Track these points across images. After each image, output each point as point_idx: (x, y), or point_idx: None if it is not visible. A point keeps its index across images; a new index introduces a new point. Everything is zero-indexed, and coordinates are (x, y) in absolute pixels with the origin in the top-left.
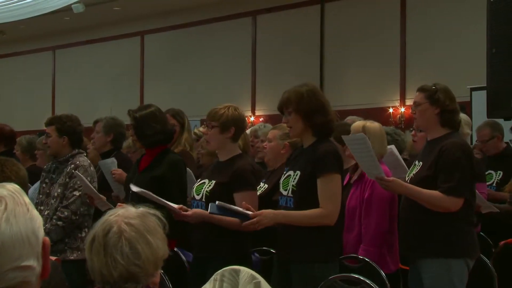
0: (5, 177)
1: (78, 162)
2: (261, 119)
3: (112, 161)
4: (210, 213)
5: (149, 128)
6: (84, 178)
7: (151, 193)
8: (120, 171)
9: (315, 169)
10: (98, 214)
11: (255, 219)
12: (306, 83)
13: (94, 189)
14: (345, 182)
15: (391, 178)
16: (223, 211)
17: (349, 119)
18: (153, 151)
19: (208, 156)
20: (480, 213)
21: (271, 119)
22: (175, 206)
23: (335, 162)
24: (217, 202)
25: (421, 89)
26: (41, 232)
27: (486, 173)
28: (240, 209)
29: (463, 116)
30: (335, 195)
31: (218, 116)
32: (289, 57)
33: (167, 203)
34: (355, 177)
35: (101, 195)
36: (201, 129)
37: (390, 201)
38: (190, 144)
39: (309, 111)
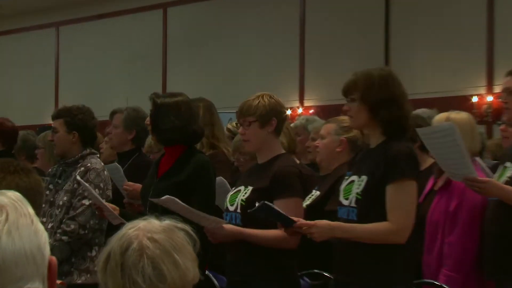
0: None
1: (89, 165)
2: (311, 111)
3: (115, 167)
4: (249, 212)
5: (166, 121)
6: (86, 185)
7: (181, 203)
8: (132, 186)
9: (385, 174)
10: (112, 229)
11: (305, 227)
12: (383, 67)
13: (100, 199)
14: (427, 189)
15: (486, 179)
16: (266, 212)
17: (420, 112)
18: (174, 150)
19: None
20: None
21: (324, 111)
22: (219, 220)
23: (410, 166)
24: (265, 201)
25: None
26: (47, 249)
27: None
28: (289, 216)
29: None
30: (408, 206)
31: (254, 109)
32: (345, 37)
33: (206, 217)
34: (440, 183)
35: (112, 206)
36: (235, 123)
37: (482, 214)
38: (225, 145)
39: (377, 103)
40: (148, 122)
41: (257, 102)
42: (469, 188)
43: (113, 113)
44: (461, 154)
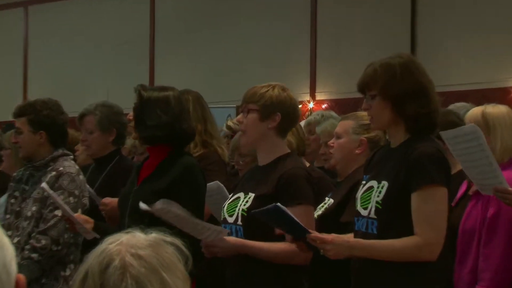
0: None
1: (61, 168)
2: (323, 106)
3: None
4: (253, 212)
5: (153, 117)
6: (51, 192)
7: (178, 211)
8: (110, 203)
9: (409, 179)
10: (89, 244)
11: (319, 240)
12: (400, 54)
13: (69, 210)
14: (460, 194)
15: None
16: (276, 217)
17: (454, 106)
18: (158, 152)
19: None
20: None
21: (339, 106)
22: (221, 230)
23: (439, 170)
24: (278, 204)
25: None
26: (13, 267)
27: None
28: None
29: None
30: (438, 217)
31: (258, 97)
32: (363, 20)
33: (206, 227)
34: (475, 186)
35: (84, 218)
36: (236, 120)
37: None
38: (219, 143)
39: (401, 96)
40: (131, 117)
41: (264, 90)
42: (501, 200)
43: (81, 117)
44: (488, 160)
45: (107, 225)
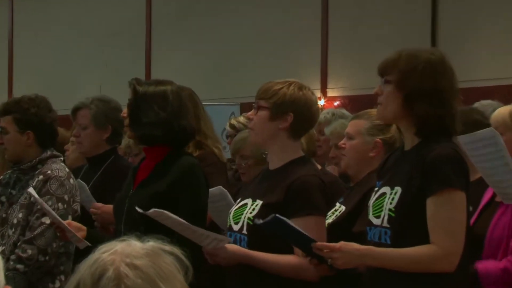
0: None
1: (50, 172)
2: (336, 103)
3: (79, 185)
4: (256, 223)
5: (149, 114)
6: (37, 197)
7: (173, 216)
8: (100, 208)
9: (424, 183)
10: (81, 253)
11: (326, 249)
12: (433, 50)
13: (58, 217)
14: (484, 201)
15: None
16: (279, 229)
17: (480, 104)
18: (155, 152)
19: (255, 167)
20: None
21: (352, 103)
22: (222, 238)
23: (457, 172)
24: (276, 215)
25: None
26: (1, 277)
27: None
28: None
29: None
30: (457, 224)
31: (271, 93)
32: (381, 9)
33: (205, 235)
34: None
35: (76, 225)
36: (241, 118)
37: None
38: (215, 143)
39: (415, 92)
40: (125, 114)
41: (279, 87)
42: None
43: (75, 110)
44: (509, 167)
45: (101, 234)
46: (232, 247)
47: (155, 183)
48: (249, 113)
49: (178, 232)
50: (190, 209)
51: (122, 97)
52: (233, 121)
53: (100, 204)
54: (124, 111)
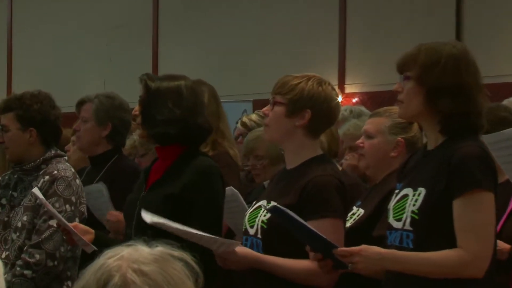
0: None
1: (56, 172)
2: (354, 100)
3: (98, 189)
4: (269, 217)
5: (163, 111)
6: (43, 198)
7: (180, 227)
8: (116, 216)
9: (450, 184)
10: (87, 257)
11: (347, 254)
12: (455, 43)
13: (63, 219)
14: None
15: None
16: (285, 220)
17: (508, 101)
18: (169, 152)
19: (270, 168)
20: None
21: (372, 100)
22: (231, 242)
23: (485, 173)
24: (276, 205)
25: None
26: (1, 284)
27: None
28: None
29: None
30: (485, 227)
31: (288, 88)
32: (402, 2)
33: (213, 240)
34: None
35: (83, 228)
36: (253, 116)
37: None
38: (230, 144)
39: (438, 87)
40: (137, 112)
41: (297, 82)
42: None
43: (80, 103)
44: None
45: (110, 238)
46: (243, 250)
47: (168, 185)
48: (265, 108)
49: (185, 238)
50: (205, 214)
51: (127, 93)
52: (245, 119)
53: (117, 213)
54: (136, 109)
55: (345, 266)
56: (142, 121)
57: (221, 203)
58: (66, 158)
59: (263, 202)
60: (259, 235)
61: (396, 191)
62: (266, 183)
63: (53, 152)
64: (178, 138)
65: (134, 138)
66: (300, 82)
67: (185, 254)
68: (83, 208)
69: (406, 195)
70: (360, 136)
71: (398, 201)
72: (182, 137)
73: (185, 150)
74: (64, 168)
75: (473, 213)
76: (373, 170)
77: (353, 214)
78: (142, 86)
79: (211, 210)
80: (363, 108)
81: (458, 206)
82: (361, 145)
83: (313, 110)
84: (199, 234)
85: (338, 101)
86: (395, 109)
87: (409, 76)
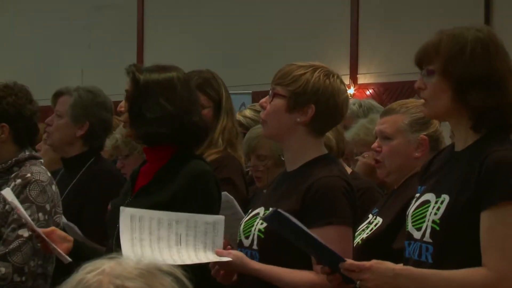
0: None
1: (29, 175)
2: (368, 92)
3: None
4: (264, 219)
5: (155, 108)
6: (13, 199)
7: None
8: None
9: (478, 193)
10: (62, 272)
11: (356, 269)
12: (480, 27)
13: (34, 226)
14: None
15: None
16: (286, 228)
17: None
18: (158, 153)
19: (274, 170)
20: None
21: (388, 91)
22: (225, 256)
23: None
24: (278, 209)
25: None
26: None
27: None
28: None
29: None
30: None
31: (290, 79)
32: None
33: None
34: None
35: (60, 234)
36: (248, 112)
37: None
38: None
39: (466, 79)
40: (123, 109)
41: (301, 72)
42: None
43: (56, 95)
44: None
45: (91, 247)
46: (238, 258)
47: (157, 192)
48: (262, 100)
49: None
50: None
51: (107, 84)
52: (239, 116)
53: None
54: (121, 105)
55: (353, 281)
56: (130, 120)
57: (216, 213)
58: (41, 160)
59: (260, 210)
60: (255, 246)
61: (417, 195)
62: None
63: (27, 153)
64: (171, 138)
65: (116, 136)
66: (305, 73)
67: (175, 268)
68: (59, 219)
69: (427, 201)
70: (371, 142)
71: (418, 207)
72: (175, 137)
73: (176, 152)
74: (39, 171)
75: (502, 228)
76: (395, 176)
77: (370, 223)
78: (129, 79)
79: None
80: (374, 102)
81: (486, 218)
82: (378, 149)
83: (317, 106)
84: (174, 216)
85: (347, 96)
86: (411, 102)
87: (432, 70)
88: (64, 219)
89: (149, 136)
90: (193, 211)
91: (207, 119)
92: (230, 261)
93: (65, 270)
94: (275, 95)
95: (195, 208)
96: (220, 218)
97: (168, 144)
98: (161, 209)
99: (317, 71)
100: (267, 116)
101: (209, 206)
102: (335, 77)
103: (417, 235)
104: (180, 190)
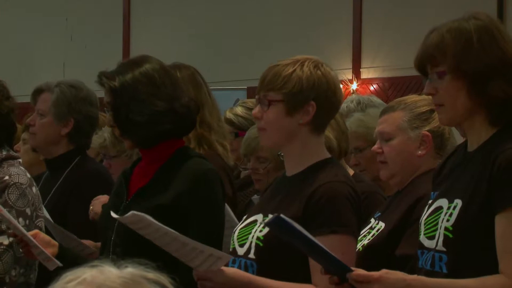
0: None
1: (7, 178)
2: (372, 87)
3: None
4: (267, 223)
5: (141, 109)
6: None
7: (156, 223)
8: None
9: (492, 195)
10: (44, 279)
11: (363, 279)
12: (475, 14)
13: (21, 228)
14: None
15: None
16: (289, 234)
17: None
18: (157, 153)
19: (275, 173)
20: None
21: (393, 86)
22: (220, 255)
23: None
24: (280, 215)
25: None
26: None
27: None
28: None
29: None
30: None
31: (282, 81)
32: None
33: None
34: None
35: (44, 238)
36: (239, 109)
37: None
38: (219, 139)
39: (483, 71)
40: (111, 123)
41: (289, 70)
42: None
43: (37, 93)
44: None
45: (76, 252)
46: (230, 270)
47: (158, 193)
48: (255, 111)
49: (162, 246)
50: (203, 230)
51: (90, 78)
52: (229, 115)
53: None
54: (108, 119)
55: None
56: (121, 131)
57: (222, 216)
58: (20, 161)
59: (258, 217)
60: (251, 255)
61: (430, 201)
62: None
63: (4, 153)
64: (171, 133)
65: (104, 136)
66: (294, 70)
67: (162, 276)
68: (41, 223)
69: (440, 208)
70: (364, 134)
71: (430, 214)
72: (175, 131)
73: (176, 150)
74: (17, 173)
75: None
76: (399, 177)
77: (371, 228)
78: (104, 90)
79: (210, 225)
80: (374, 98)
81: (501, 222)
82: (379, 151)
83: (317, 101)
84: (183, 240)
85: (339, 80)
86: (409, 98)
87: (444, 71)
88: (51, 221)
89: (147, 139)
90: (198, 215)
91: (194, 98)
92: (221, 269)
93: (45, 279)
94: (269, 102)
95: (201, 209)
96: (227, 257)
97: (166, 141)
98: (164, 212)
99: (305, 65)
100: (267, 124)
101: (215, 208)
102: (323, 66)
103: (429, 244)
104: (184, 191)
